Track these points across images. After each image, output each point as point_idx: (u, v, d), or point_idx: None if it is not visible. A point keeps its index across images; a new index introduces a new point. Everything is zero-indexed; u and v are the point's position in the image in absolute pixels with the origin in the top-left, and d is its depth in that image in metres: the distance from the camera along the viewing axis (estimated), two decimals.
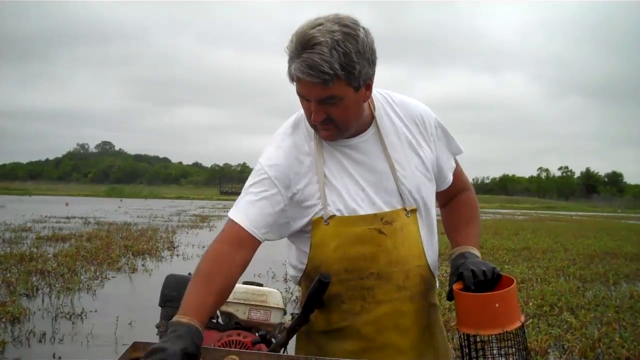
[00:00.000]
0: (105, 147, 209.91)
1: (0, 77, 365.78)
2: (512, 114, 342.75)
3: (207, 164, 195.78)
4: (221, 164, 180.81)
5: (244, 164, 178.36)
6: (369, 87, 1.72)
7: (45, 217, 25.00)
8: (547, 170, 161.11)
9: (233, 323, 3.33)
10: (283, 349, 2.04)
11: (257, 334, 3.21)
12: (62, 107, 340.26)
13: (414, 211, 1.82)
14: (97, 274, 9.95)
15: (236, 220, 1.78)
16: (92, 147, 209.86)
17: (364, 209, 1.78)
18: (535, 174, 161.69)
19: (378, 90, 1.90)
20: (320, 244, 1.80)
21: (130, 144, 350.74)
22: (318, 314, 1.86)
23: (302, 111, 1.82)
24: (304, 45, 1.59)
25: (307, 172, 1.80)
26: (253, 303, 3.26)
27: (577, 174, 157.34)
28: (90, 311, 7.21)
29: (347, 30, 1.60)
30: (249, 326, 3.31)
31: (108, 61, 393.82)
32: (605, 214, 65.66)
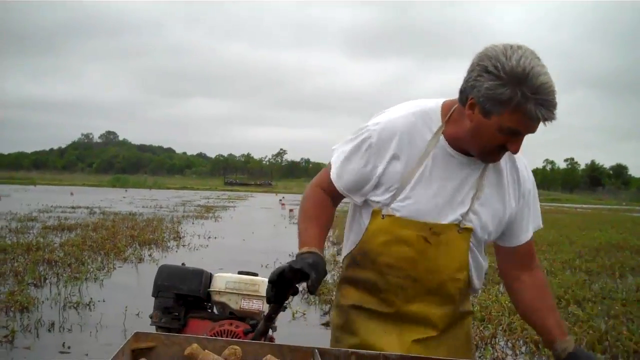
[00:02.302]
0: (110, 137, 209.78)
1: (12, 70, 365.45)
2: None
3: (212, 154, 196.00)
4: (225, 155, 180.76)
5: (248, 154, 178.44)
6: None
7: (51, 206, 25.04)
8: (552, 162, 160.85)
9: (227, 313, 3.33)
10: (263, 337, 2.08)
11: (249, 323, 3.22)
12: (69, 98, 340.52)
13: (468, 230, 1.91)
14: (104, 263, 9.98)
15: (332, 176, 2.00)
16: (96, 137, 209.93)
17: (422, 217, 1.89)
18: (540, 166, 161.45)
19: None
20: (373, 234, 1.95)
21: (135, 134, 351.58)
22: (353, 289, 2.06)
23: (434, 104, 1.92)
24: (549, 94, 1.65)
25: (404, 159, 1.89)
26: (245, 292, 3.26)
27: (582, 166, 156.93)
28: (98, 301, 7.24)
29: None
30: (242, 316, 3.32)
31: (119, 53, 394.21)
32: (610, 206, 65.54)
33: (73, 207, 25.21)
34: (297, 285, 1.87)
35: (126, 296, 7.41)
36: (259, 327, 2.06)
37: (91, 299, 7.26)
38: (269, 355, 1.63)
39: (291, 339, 2.04)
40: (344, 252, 2.12)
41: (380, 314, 2.01)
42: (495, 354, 5.68)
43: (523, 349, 5.95)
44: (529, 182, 2.00)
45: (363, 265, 2.01)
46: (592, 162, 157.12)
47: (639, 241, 17.10)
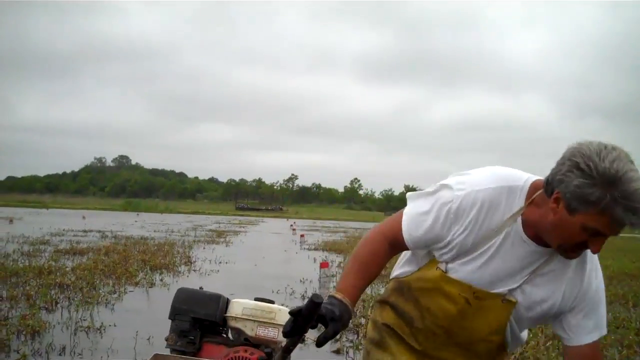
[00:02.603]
0: (122, 161, 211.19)
1: (27, 94, 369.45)
2: (529, 134, 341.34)
3: (223, 179, 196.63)
4: (237, 180, 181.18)
5: (260, 179, 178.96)
6: None
7: (63, 230, 25.13)
8: None
9: (242, 339, 3.33)
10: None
11: (264, 351, 3.20)
12: (83, 122, 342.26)
13: (511, 303, 1.92)
14: (116, 288, 9.97)
15: (403, 228, 1.99)
16: (109, 161, 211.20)
17: (471, 281, 1.92)
18: None
19: None
20: (423, 278, 2.03)
21: (147, 158, 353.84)
22: (392, 313, 2.17)
23: (522, 182, 1.88)
24: (637, 199, 1.61)
25: (477, 230, 1.88)
26: (261, 320, 3.25)
27: None
28: (110, 325, 7.23)
29: None
30: (257, 343, 3.30)
31: (134, 78, 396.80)
32: (623, 235, 64.79)
33: (85, 231, 25.30)
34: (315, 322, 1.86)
35: (137, 321, 7.41)
36: (276, 357, 2.07)
37: (102, 323, 7.25)
38: None
39: None
40: (395, 272, 2.20)
41: (410, 346, 2.12)
42: None
43: None
44: (593, 286, 1.95)
45: (407, 298, 2.11)
46: None
47: None
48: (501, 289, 1.91)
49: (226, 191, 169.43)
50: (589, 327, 1.93)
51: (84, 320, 7.40)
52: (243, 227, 40.53)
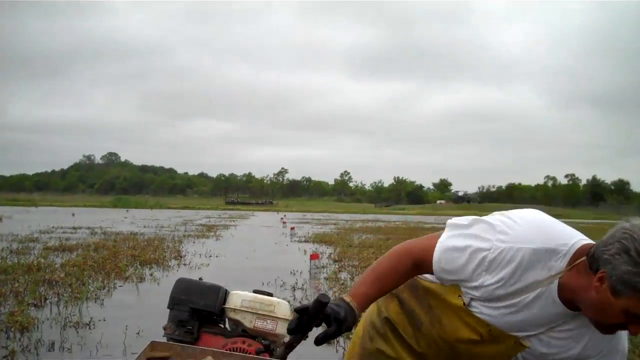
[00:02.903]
0: (111, 158, 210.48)
1: (17, 93, 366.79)
2: (519, 124, 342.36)
3: (213, 174, 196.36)
4: (227, 174, 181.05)
5: (250, 173, 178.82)
6: None
7: (52, 227, 25.03)
8: (554, 178, 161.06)
9: (239, 330, 3.32)
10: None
11: (262, 343, 3.19)
12: (72, 120, 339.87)
13: (523, 346, 1.91)
14: (105, 283, 9.93)
15: (435, 257, 1.92)
16: (98, 159, 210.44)
17: (490, 322, 1.90)
18: (542, 182, 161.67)
19: None
20: (444, 295, 2.00)
21: (137, 155, 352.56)
22: (398, 307, 2.17)
23: (567, 247, 1.78)
24: None
25: (509, 285, 1.82)
26: (260, 312, 3.24)
27: (584, 182, 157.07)
28: (99, 320, 7.20)
29: None
30: (255, 335, 3.30)
31: (125, 76, 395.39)
32: (613, 221, 65.24)
33: (74, 228, 25.21)
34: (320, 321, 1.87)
35: (127, 315, 7.38)
36: (278, 352, 2.05)
37: (91, 318, 7.21)
38: None
39: (298, 358, 2.04)
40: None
41: (411, 347, 2.12)
42: None
43: None
44: (620, 347, 1.91)
45: (420, 301, 2.09)
46: (594, 178, 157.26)
47: None
48: (518, 334, 1.89)
49: (216, 186, 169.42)
50: None
51: (73, 315, 7.37)
52: (233, 221, 40.50)
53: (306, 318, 1.80)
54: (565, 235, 1.82)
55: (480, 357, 1.99)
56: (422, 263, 1.95)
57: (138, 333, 6.50)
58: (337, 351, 6.06)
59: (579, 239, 1.81)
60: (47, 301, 8.22)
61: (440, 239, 1.93)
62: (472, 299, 1.91)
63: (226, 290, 3.43)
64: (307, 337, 1.92)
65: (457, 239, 1.90)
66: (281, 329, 3.08)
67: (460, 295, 1.93)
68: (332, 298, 1.86)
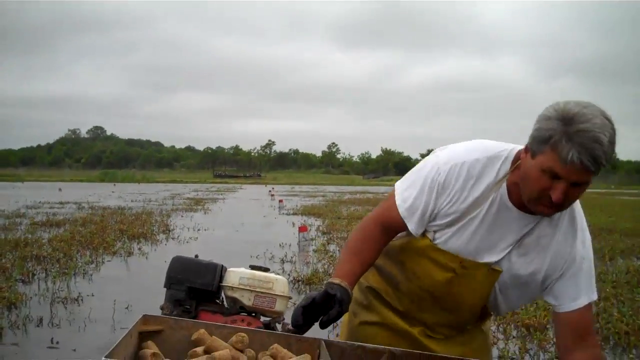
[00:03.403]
0: (97, 132, 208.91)
1: (2, 68, 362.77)
2: (504, 94, 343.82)
3: (200, 147, 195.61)
4: (214, 147, 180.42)
5: (237, 146, 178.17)
6: None
7: (39, 202, 24.91)
8: None
9: (238, 308, 3.30)
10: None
11: (261, 320, 3.18)
12: (58, 94, 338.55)
13: (497, 272, 1.93)
14: (93, 258, 9.90)
15: (397, 200, 2.02)
16: (83, 133, 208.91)
17: (458, 251, 1.95)
18: None
19: None
20: (411, 243, 2.04)
21: (123, 129, 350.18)
22: (375, 274, 2.23)
23: (507, 152, 1.89)
24: (589, 139, 1.61)
25: (464, 199, 1.91)
26: (259, 290, 3.22)
27: None
28: (87, 295, 7.18)
29: (613, 126, 1.68)
30: (253, 312, 3.28)
31: (110, 49, 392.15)
32: (599, 190, 65.87)
33: (61, 203, 25.10)
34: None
35: (115, 290, 7.37)
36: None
37: (79, 293, 7.20)
38: (276, 344, 1.66)
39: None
40: None
41: (394, 308, 2.17)
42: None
43: (514, 333, 5.94)
44: (582, 254, 1.92)
45: (393, 260, 2.14)
46: None
47: (629, 224, 17.20)
48: (488, 259, 1.93)
49: (203, 159, 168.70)
50: (577, 294, 1.91)
51: (61, 291, 7.35)
52: (221, 194, 40.42)
53: (313, 309, 1.86)
54: (504, 145, 1.94)
55: (460, 298, 2.01)
56: (389, 222, 2.04)
57: (127, 307, 6.49)
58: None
59: (518, 146, 1.90)
60: (35, 277, 8.19)
61: (395, 187, 2.06)
62: (436, 232, 1.97)
63: (222, 267, 3.41)
64: (311, 326, 1.92)
65: (409, 178, 2.03)
66: (280, 305, 3.07)
67: (426, 235, 1.99)
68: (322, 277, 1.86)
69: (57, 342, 5.38)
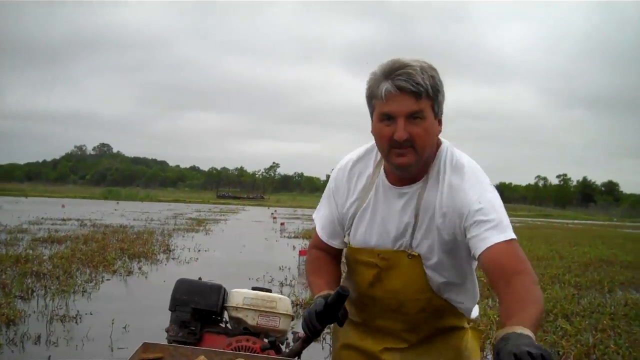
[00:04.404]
0: (103, 149, 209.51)
1: (15, 82, 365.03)
2: (513, 124, 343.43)
3: (205, 167, 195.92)
4: (219, 168, 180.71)
5: (242, 167, 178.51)
6: (440, 123, 1.90)
7: (42, 218, 24.96)
8: (545, 178, 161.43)
9: (242, 328, 3.33)
10: (297, 358, 2.11)
11: (266, 340, 3.21)
12: (66, 110, 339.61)
13: (417, 257, 1.95)
14: (93, 276, 9.92)
15: (317, 230, 2.19)
16: (89, 149, 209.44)
17: (370, 245, 2.01)
18: (532, 182, 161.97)
19: (448, 147, 1.99)
20: (347, 256, 2.14)
21: (129, 146, 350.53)
22: None
23: (373, 143, 1.99)
24: (397, 67, 1.77)
25: (354, 194, 2.05)
26: (262, 309, 3.25)
27: (574, 183, 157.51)
28: (86, 314, 7.20)
29: (430, 65, 1.83)
30: (257, 332, 3.31)
31: (122, 68, 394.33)
32: (601, 222, 65.74)
33: (64, 220, 25.14)
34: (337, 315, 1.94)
35: (114, 309, 7.37)
36: (293, 346, 2.11)
37: (78, 311, 7.21)
38: None
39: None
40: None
41: (355, 323, 2.18)
42: None
43: None
44: (475, 198, 1.87)
45: (347, 277, 2.21)
46: (584, 179, 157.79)
47: (629, 256, 17.14)
48: (398, 244, 1.96)
49: (208, 179, 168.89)
50: (488, 233, 1.82)
51: (60, 308, 7.37)
52: (224, 215, 40.44)
53: (327, 313, 1.89)
54: None
55: (397, 294, 2.00)
56: (323, 246, 2.17)
57: (125, 327, 6.50)
58: (322, 348, 6.08)
59: None
60: (34, 294, 8.21)
61: (314, 217, 2.21)
62: (348, 234, 2.07)
63: (225, 289, 3.44)
64: (324, 330, 1.97)
65: (320, 203, 2.19)
66: (283, 324, 3.11)
67: (347, 242, 2.10)
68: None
69: None
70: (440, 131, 1.90)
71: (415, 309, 2.02)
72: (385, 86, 1.76)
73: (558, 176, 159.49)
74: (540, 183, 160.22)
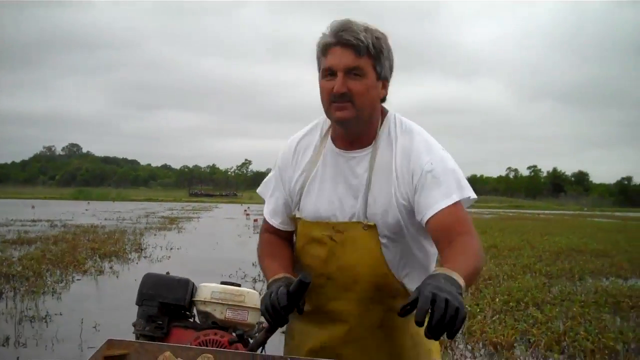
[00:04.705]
0: (73, 150, 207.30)
1: None
2: (484, 118, 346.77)
3: (177, 165, 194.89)
4: (190, 166, 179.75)
5: (214, 165, 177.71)
6: (385, 87, 1.91)
7: (11, 220, 24.64)
8: (515, 170, 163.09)
9: (210, 323, 3.31)
10: (261, 348, 2.05)
11: (234, 334, 3.19)
12: (34, 112, 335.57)
13: (372, 227, 1.89)
14: (63, 276, 9.82)
15: (265, 215, 2.13)
16: (59, 150, 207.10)
17: (326, 217, 1.95)
18: (504, 173, 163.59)
19: (396, 114, 2.00)
20: (297, 240, 2.06)
21: (99, 146, 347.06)
22: None
23: (322, 117, 2.00)
24: (341, 26, 1.80)
25: (301, 167, 2.02)
26: (230, 303, 3.23)
27: (545, 174, 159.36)
28: (55, 314, 7.12)
29: (379, 30, 1.86)
30: (226, 326, 3.29)
31: (91, 68, 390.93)
32: (572, 212, 66.61)
33: (34, 221, 24.84)
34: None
35: (84, 309, 7.31)
36: (257, 337, 2.04)
37: (48, 312, 7.13)
38: None
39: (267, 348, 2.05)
40: None
41: (306, 316, 2.01)
42: (455, 357, 5.71)
43: (482, 351, 5.99)
44: (428, 162, 1.88)
45: (297, 260, 2.09)
46: (554, 170, 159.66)
47: (599, 245, 17.39)
48: (351, 213, 1.91)
49: (180, 178, 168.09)
50: (434, 200, 1.84)
51: (29, 309, 7.28)
52: (196, 213, 40.27)
53: (290, 301, 1.81)
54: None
55: (354, 269, 1.91)
56: (270, 228, 2.12)
57: (95, 327, 6.44)
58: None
59: None
60: (3, 295, 8.12)
61: (265, 212, 2.15)
62: (299, 209, 2.00)
63: (193, 283, 3.41)
64: (287, 320, 1.88)
65: (270, 188, 2.13)
66: (252, 318, 3.07)
67: (295, 218, 2.02)
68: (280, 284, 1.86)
69: None
70: (385, 95, 1.91)
71: (367, 284, 1.92)
72: (329, 41, 1.81)
73: (529, 167, 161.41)
74: (511, 174, 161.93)
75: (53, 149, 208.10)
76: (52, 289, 8.71)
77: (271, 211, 2.11)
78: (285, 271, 1.96)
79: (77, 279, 9.82)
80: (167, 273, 3.51)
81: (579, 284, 10.28)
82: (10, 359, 5.41)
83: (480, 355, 5.88)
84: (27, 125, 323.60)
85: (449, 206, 1.82)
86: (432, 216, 1.82)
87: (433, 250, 1.99)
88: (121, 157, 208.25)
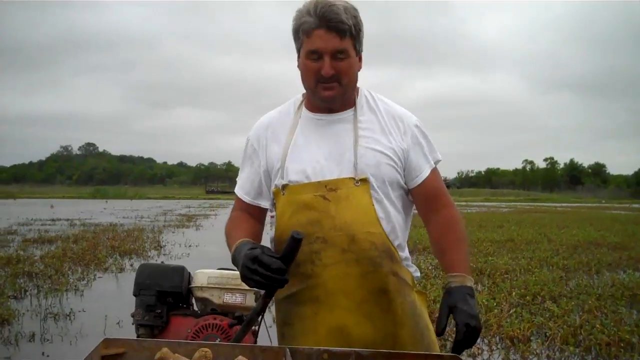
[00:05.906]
0: (89, 149, 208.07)
1: (4, 86, 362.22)
2: (498, 110, 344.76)
3: (192, 163, 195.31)
4: (206, 163, 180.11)
5: (229, 162, 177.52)
6: (360, 59, 2.00)
7: (31, 219, 24.86)
8: (532, 162, 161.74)
9: (209, 309, 3.38)
10: (261, 316, 2.02)
11: (233, 317, 3.25)
12: (51, 112, 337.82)
13: (364, 181, 1.92)
14: (85, 274, 9.97)
15: (237, 192, 2.15)
16: (75, 149, 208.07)
17: (315, 177, 1.94)
18: (520, 166, 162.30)
19: (366, 89, 2.09)
20: (281, 214, 1.99)
21: (115, 145, 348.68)
22: None
23: (292, 99, 2.11)
24: (322, 6, 1.86)
25: (278, 138, 2.04)
26: (227, 287, 3.30)
27: (562, 166, 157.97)
28: (79, 311, 7.25)
29: (353, 5, 1.92)
30: (224, 311, 3.36)
31: (107, 68, 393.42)
32: (589, 204, 66.05)
33: (53, 220, 25.05)
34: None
35: (107, 306, 7.42)
36: (255, 306, 1.95)
37: (71, 309, 7.27)
38: (241, 356, 1.61)
39: (262, 340, 2.08)
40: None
41: (302, 296, 1.96)
42: (471, 350, 5.77)
43: (499, 345, 6.04)
44: (407, 117, 2.06)
45: (278, 239, 2.02)
46: (571, 161, 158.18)
47: (616, 238, 17.29)
48: (342, 169, 1.93)
49: (196, 175, 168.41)
50: (420, 167, 2.01)
51: (53, 307, 7.42)
52: (213, 210, 40.35)
53: (284, 262, 1.76)
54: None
55: (350, 227, 1.89)
56: (241, 205, 2.14)
57: (118, 323, 6.57)
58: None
59: None
60: (27, 293, 8.25)
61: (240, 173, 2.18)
62: (282, 175, 1.98)
63: (187, 270, 3.49)
64: (287, 280, 1.78)
65: (242, 165, 2.16)
66: (251, 300, 3.13)
67: (282, 192, 1.97)
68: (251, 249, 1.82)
69: (48, 356, 5.48)
70: (360, 67, 2.00)
71: (367, 243, 1.90)
72: (313, 24, 1.87)
73: (545, 159, 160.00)
74: (528, 167, 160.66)
75: (70, 148, 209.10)
76: (75, 286, 8.86)
77: (241, 186, 2.13)
78: (249, 237, 1.96)
79: (99, 277, 9.97)
80: (162, 262, 3.60)
81: (596, 277, 10.26)
82: (37, 354, 5.55)
83: (497, 348, 5.93)
84: (44, 125, 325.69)
85: (432, 171, 2.03)
86: (420, 184, 2.01)
87: (408, 221, 2.08)
88: (137, 156, 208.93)
